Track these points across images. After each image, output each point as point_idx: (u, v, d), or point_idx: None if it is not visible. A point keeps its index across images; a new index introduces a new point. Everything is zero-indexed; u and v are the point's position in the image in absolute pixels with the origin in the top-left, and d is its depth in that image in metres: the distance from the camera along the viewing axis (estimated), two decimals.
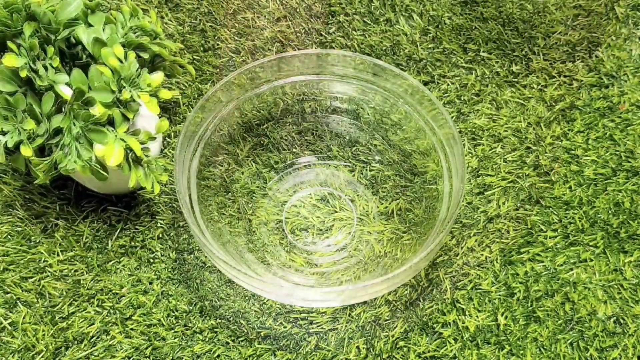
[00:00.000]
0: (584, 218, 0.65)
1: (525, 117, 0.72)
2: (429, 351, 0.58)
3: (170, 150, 0.69)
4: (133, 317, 0.59)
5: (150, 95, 0.55)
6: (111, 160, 0.53)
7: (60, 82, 0.54)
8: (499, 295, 0.61)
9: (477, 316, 0.60)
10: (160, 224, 0.65)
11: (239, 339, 0.59)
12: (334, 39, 0.78)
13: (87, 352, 0.57)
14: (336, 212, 0.66)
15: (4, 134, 0.54)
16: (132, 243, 0.64)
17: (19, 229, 0.64)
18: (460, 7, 0.80)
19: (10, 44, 0.53)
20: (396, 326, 0.59)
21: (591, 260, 0.63)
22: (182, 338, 0.59)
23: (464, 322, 0.59)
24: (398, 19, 0.78)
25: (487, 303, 0.60)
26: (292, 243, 0.65)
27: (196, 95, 0.73)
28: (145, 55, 0.58)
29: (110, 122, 0.55)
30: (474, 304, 0.60)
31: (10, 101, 0.54)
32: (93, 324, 0.59)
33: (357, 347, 0.58)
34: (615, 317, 0.60)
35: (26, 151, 0.54)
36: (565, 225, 0.65)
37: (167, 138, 0.70)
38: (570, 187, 0.67)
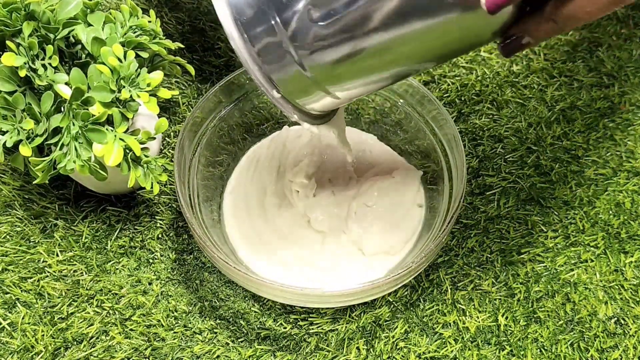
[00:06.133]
0: (585, 218, 0.65)
1: (525, 117, 0.72)
2: (429, 352, 0.58)
3: (170, 150, 0.69)
4: (132, 318, 0.59)
5: (150, 94, 0.55)
6: (110, 160, 0.53)
7: (59, 82, 0.54)
8: (500, 295, 0.61)
9: (477, 317, 0.59)
10: (160, 224, 0.65)
11: (239, 340, 0.59)
12: None
13: (86, 352, 0.57)
14: None
15: (3, 133, 0.54)
16: (132, 243, 0.63)
17: (18, 229, 0.64)
18: None
19: (9, 43, 0.53)
20: (396, 327, 0.59)
21: (592, 260, 0.63)
22: (181, 339, 0.58)
23: (464, 323, 0.59)
24: None
25: (487, 303, 0.60)
26: None
27: (196, 95, 0.73)
28: (145, 55, 0.58)
29: (110, 121, 0.55)
30: (474, 305, 0.60)
31: (9, 100, 0.54)
32: (92, 324, 0.59)
33: (357, 348, 0.58)
34: (616, 318, 0.60)
35: (25, 151, 0.53)
36: (566, 225, 0.65)
37: (166, 138, 0.70)
38: (570, 188, 0.67)
